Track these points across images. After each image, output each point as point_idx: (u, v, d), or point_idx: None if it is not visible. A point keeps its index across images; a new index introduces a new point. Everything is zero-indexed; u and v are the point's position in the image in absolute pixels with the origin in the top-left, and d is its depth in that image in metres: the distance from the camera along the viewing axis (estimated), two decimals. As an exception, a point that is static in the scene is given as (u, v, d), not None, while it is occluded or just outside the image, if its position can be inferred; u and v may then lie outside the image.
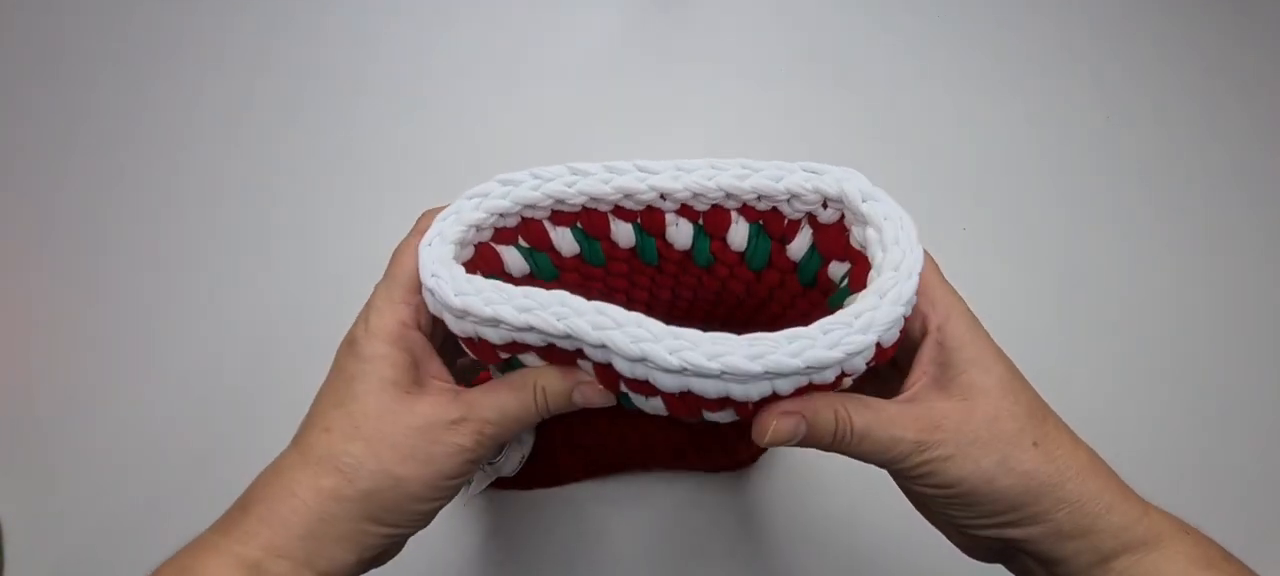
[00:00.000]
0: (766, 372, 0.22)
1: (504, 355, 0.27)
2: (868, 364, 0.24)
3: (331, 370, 0.29)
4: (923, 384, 0.28)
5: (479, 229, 0.28)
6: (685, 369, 0.22)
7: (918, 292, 0.27)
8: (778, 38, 0.59)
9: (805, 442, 0.27)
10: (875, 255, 0.26)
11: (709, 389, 0.23)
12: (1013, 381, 0.28)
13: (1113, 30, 0.62)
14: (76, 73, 0.56)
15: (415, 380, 0.28)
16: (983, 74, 0.60)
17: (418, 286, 0.28)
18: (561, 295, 0.24)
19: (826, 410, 0.26)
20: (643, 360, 0.23)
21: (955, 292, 0.29)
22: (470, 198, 0.28)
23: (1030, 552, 0.28)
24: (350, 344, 0.29)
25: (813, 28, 0.61)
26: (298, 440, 0.28)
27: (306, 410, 0.29)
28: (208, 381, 0.47)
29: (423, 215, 0.30)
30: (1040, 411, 0.28)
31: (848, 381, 0.26)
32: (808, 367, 0.23)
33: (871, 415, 0.26)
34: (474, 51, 0.58)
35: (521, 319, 0.24)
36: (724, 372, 0.22)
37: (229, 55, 0.56)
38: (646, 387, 0.24)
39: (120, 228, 0.51)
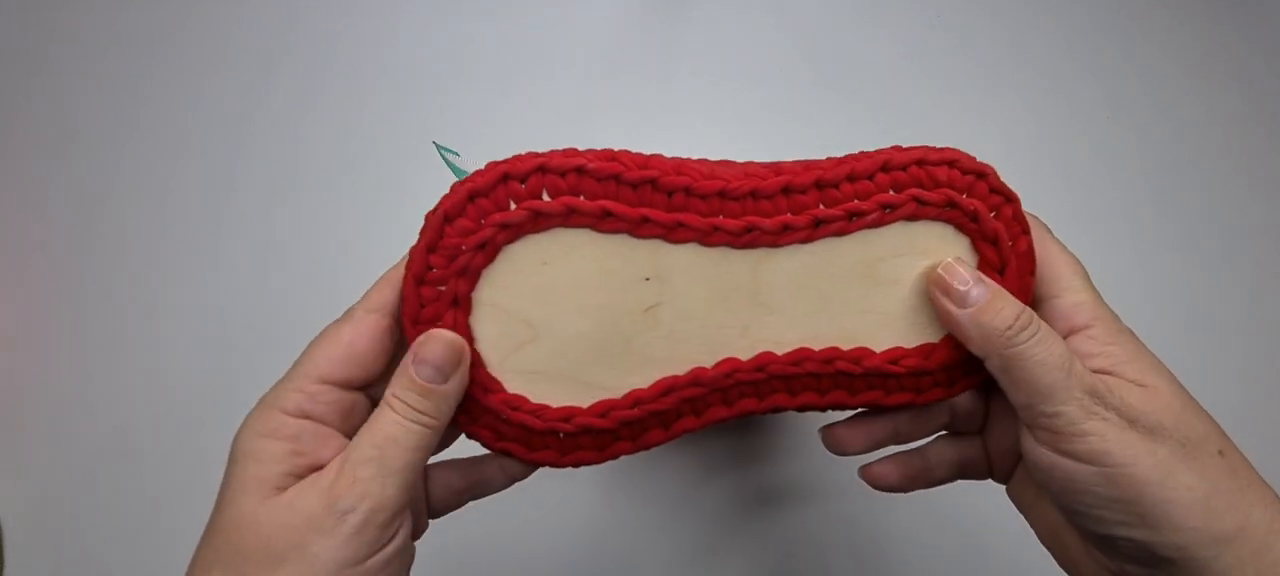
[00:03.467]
0: None
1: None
2: None
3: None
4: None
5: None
6: None
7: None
8: (779, 37, 0.59)
9: (984, 322, 0.24)
10: None
11: None
12: (1184, 389, 0.23)
13: (1113, 29, 0.62)
14: (74, 71, 0.55)
15: (296, 471, 0.23)
16: (984, 74, 0.60)
17: (329, 375, 0.25)
18: None
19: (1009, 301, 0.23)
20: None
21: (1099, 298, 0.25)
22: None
23: None
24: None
25: (814, 28, 0.61)
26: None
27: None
28: (208, 381, 0.47)
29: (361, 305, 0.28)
30: (1218, 427, 0.22)
31: None
32: None
33: (1053, 336, 0.23)
34: (472, 52, 0.58)
35: None
36: None
37: (228, 54, 0.56)
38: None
39: (119, 227, 0.51)
